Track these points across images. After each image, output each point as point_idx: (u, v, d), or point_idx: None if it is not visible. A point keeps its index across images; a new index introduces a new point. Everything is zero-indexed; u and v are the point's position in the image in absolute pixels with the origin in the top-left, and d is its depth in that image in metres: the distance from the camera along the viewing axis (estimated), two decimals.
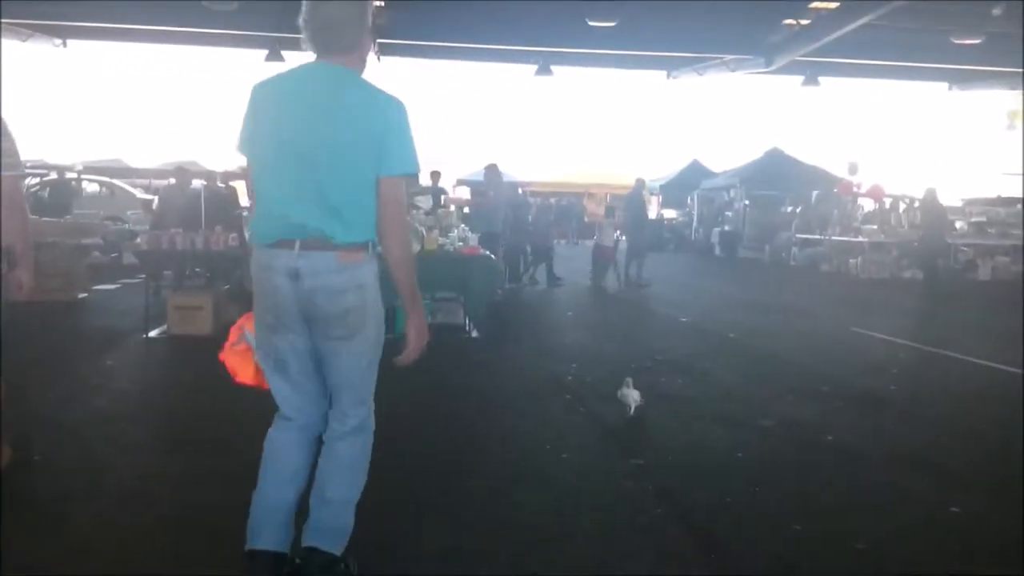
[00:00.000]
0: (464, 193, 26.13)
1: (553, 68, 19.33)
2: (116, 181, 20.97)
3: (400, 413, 5.15)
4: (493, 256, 9.74)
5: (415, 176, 3.22)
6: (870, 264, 18.94)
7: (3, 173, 3.72)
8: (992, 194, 26.00)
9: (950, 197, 22.81)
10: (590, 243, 18.68)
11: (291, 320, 2.83)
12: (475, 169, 27.89)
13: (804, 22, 16.68)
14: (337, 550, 2.94)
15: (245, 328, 3.05)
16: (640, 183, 16.45)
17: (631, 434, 5.41)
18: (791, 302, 13.87)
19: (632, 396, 5.56)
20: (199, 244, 8.49)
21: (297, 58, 2.95)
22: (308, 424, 2.99)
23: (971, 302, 14.48)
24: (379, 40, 16.77)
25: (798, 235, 22.73)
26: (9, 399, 4.01)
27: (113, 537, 3.49)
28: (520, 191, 21.99)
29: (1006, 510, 4.13)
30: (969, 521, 4.06)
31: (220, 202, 10.87)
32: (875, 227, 20.64)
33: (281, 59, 16.62)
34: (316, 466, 2.99)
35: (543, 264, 15.37)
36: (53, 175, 19.03)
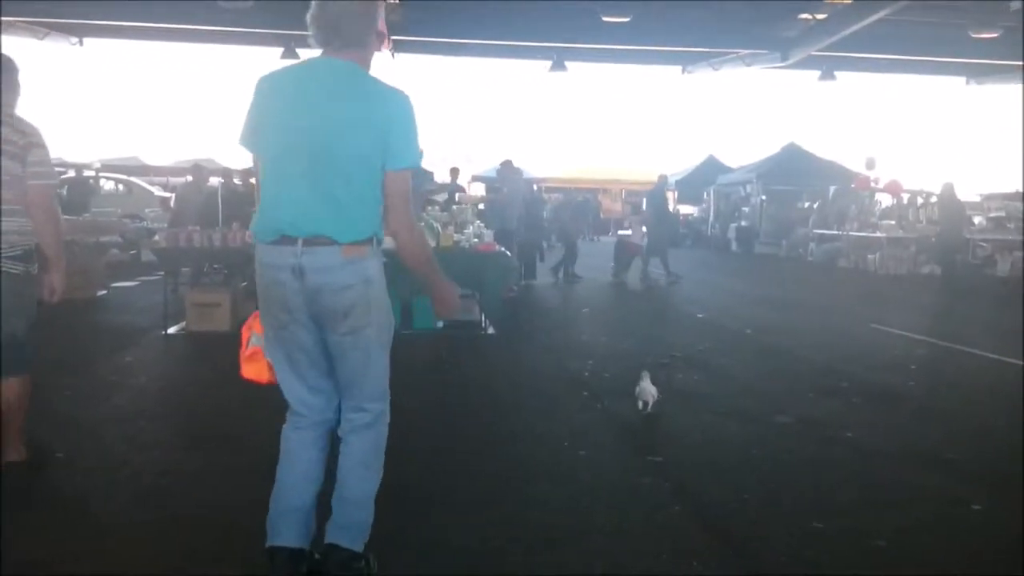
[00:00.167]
0: (479, 190, 26.13)
1: (567, 64, 19.25)
2: (133, 179, 21.16)
3: (415, 409, 5.17)
4: (508, 253, 9.73)
5: (420, 168, 3.21)
6: (888, 260, 18.82)
7: (38, 182, 3.82)
8: (1010, 189, 25.67)
9: (968, 192, 22.67)
10: (606, 239, 18.66)
11: (298, 317, 2.82)
12: (490, 165, 27.94)
13: (820, 16, 16.54)
14: (357, 546, 2.94)
15: (253, 329, 3.06)
16: (663, 179, 17.06)
17: (648, 431, 5.40)
18: (808, 298, 13.80)
19: (649, 391, 5.55)
20: (216, 241, 8.54)
21: (312, 56, 2.95)
22: (321, 420, 2.98)
23: (990, 298, 14.36)
24: (394, 37, 16.77)
25: (815, 231, 22.64)
26: (28, 395, 4.06)
27: (131, 534, 3.51)
28: (535, 187, 21.99)
29: None
30: (990, 519, 4.02)
31: (237, 199, 10.94)
32: (893, 222, 20.54)
33: (296, 57, 16.64)
34: (334, 459, 2.99)
35: (572, 260, 15.41)
36: (71, 173, 19.22)
